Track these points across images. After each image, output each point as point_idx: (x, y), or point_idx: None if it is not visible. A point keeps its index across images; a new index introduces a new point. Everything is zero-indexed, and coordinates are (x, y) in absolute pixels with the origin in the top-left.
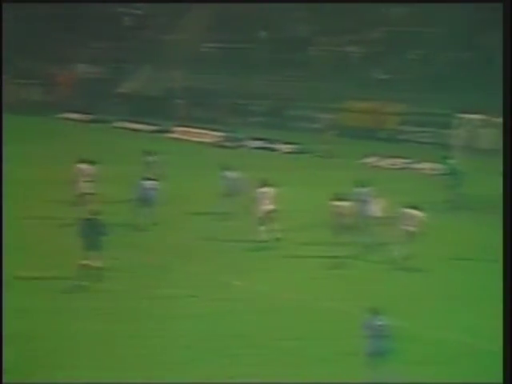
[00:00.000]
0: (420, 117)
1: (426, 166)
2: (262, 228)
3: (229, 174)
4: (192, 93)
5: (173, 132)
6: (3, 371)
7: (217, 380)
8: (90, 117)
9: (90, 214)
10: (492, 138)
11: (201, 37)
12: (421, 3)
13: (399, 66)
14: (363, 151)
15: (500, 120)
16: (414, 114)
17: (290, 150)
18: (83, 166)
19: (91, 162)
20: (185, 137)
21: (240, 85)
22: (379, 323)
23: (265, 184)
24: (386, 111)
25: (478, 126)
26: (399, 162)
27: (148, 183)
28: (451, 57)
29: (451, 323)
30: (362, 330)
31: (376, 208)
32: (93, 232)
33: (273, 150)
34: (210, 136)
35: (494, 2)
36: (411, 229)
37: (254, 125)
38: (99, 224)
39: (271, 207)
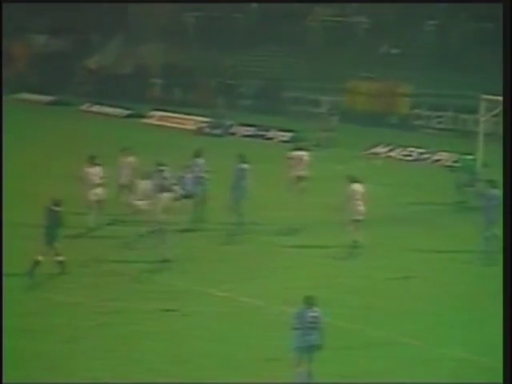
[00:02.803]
0: (437, 99)
1: (445, 156)
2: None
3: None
4: (170, 71)
5: (149, 117)
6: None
7: None
8: (51, 98)
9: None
10: None
11: (180, 4)
12: None
13: (412, 40)
14: (371, 139)
15: None
16: (429, 95)
17: (286, 139)
18: None
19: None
20: (163, 123)
21: (226, 62)
22: (312, 314)
23: None
24: (397, 92)
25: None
26: (413, 151)
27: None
28: (471, 29)
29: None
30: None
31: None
32: (53, 224)
33: (266, 138)
34: (192, 122)
35: (494, 1)
36: None
37: (243, 109)
38: (59, 216)
39: None
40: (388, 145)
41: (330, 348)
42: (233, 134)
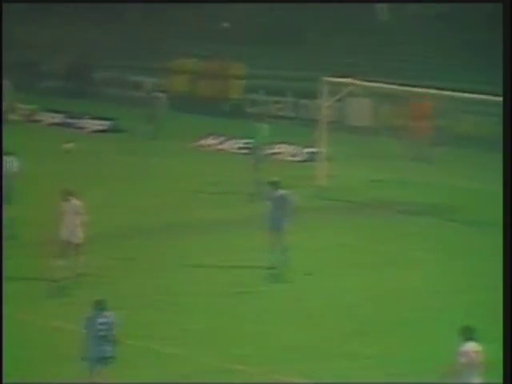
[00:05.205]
0: (274, 82)
1: (285, 149)
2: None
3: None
4: None
5: None
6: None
7: None
8: None
9: None
10: (364, 110)
11: None
12: None
13: (243, 12)
14: (200, 130)
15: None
16: (265, 77)
17: (101, 128)
18: None
19: None
20: None
21: (25, 33)
22: (102, 320)
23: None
24: (228, 74)
25: (348, 94)
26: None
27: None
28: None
29: None
30: (84, 328)
31: None
32: None
33: (77, 127)
34: None
35: (494, 1)
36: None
37: (47, 91)
38: None
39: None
40: (220, 135)
41: None
42: (36, 121)
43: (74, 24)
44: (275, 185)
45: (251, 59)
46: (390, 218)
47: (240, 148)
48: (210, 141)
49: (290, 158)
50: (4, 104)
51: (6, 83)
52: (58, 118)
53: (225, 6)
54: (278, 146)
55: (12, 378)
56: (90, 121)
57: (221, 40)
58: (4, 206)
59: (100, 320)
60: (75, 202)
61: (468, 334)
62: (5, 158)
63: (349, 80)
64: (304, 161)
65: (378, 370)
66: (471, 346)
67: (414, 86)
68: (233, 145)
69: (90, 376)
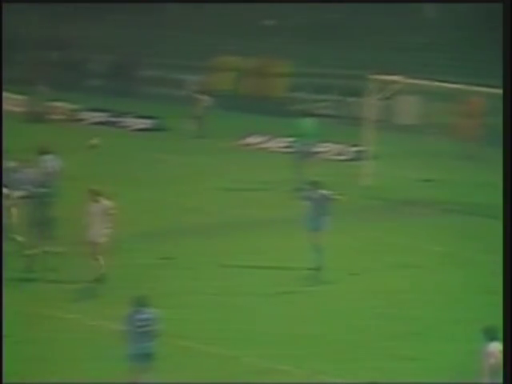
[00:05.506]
0: (319, 80)
1: (330, 147)
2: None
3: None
4: None
5: None
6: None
7: None
8: None
9: None
10: (411, 108)
11: None
12: None
13: (288, 10)
14: (244, 128)
15: (423, 83)
16: (310, 75)
17: (144, 127)
18: None
19: None
20: None
21: (69, 32)
22: (142, 317)
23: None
24: (272, 72)
25: (395, 92)
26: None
27: None
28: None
29: None
30: (124, 326)
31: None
32: None
33: (121, 125)
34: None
35: (494, 1)
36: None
37: (92, 90)
38: None
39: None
40: (264, 134)
41: None
42: (80, 120)
43: (118, 23)
44: (316, 185)
45: (296, 57)
46: (436, 218)
47: (284, 147)
48: (254, 139)
49: (336, 157)
50: (39, 105)
51: (39, 87)
52: (101, 117)
53: (270, 3)
54: (323, 144)
55: (52, 377)
56: (134, 119)
57: (266, 37)
58: (45, 206)
59: (140, 316)
60: (104, 202)
61: (492, 333)
62: (46, 158)
63: (396, 78)
64: (350, 160)
65: (425, 371)
66: (496, 347)
67: (462, 84)
68: (277, 143)
69: (132, 374)
